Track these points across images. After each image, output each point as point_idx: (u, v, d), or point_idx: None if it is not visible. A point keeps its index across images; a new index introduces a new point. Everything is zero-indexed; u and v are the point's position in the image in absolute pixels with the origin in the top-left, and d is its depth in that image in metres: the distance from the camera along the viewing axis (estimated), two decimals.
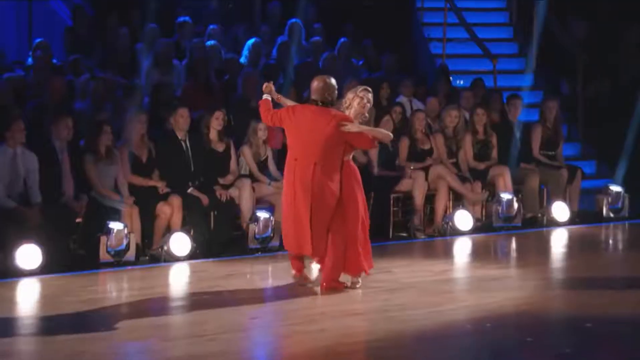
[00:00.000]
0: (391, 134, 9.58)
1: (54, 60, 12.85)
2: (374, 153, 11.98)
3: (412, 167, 12.01)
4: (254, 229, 10.89)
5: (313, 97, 9.00)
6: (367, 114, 9.16)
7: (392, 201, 12.01)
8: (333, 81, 8.99)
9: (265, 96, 9.22)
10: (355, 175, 9.13)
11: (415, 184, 11.96)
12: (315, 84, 9.00)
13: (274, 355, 7.64)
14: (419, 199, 11.97)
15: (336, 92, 9.04)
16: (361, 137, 8.93)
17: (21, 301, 9.33)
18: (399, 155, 12.20)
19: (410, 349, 7.53)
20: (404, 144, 12.20)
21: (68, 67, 12.71)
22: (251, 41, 13.53)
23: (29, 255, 9.81)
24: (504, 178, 12.39)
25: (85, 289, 9.38)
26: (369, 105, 9.07)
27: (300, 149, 8.94)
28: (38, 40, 12.91)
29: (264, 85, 9.25)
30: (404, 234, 12.07)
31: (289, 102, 9.35)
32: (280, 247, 10.96)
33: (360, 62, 14.14)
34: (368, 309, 8.67)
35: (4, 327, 8.00)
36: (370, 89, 9.12)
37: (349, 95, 9.08)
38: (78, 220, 10.46)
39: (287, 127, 9.07)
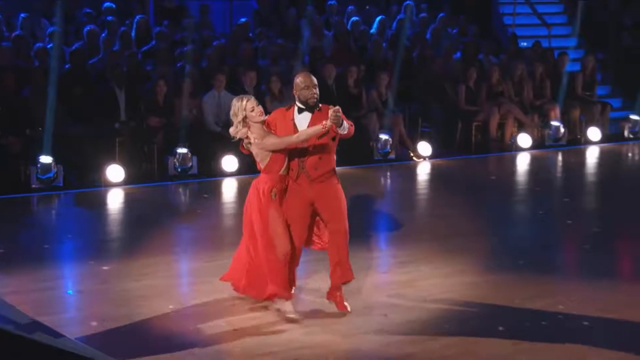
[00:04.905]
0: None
1: (250, 33, 13.05)
2: (461, 93, 11.87)
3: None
4: (377, 146, 10.98)
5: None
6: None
7: (473, 128, 11.93)
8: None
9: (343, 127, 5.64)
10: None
11: (490, 116, 11.83)
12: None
13: None
14: (493, 127, 11.85)
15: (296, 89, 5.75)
16: None
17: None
18: (480, 96, 12.07)
19: None
20: (484, 88, 12.03)
21: (256, 36, 12.91)
22: (379, 17, 13.44)
23: (230, 161, 9.94)
24: (555, 111, 12.13)
25: None
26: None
27: None
28: (242, 19, 12.81)
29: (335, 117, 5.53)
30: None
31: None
32: (397, 159, 11.01)
33: (455, 31, 13.92)
34: None
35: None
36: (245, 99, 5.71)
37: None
38: None
39: None
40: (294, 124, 5.66)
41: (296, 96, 5.70)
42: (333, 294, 5.73)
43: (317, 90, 5.65)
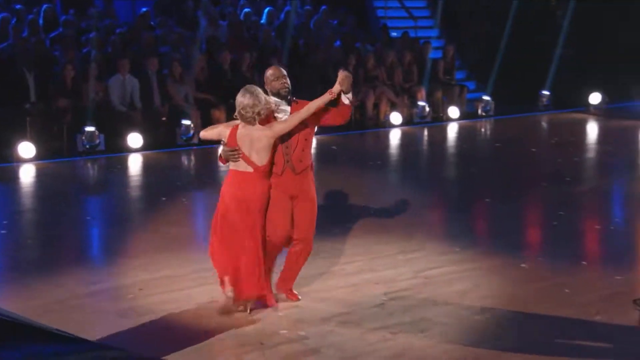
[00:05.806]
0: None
1: (152, 22, 12.65)
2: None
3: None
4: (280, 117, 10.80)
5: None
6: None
7: (352, 107, 12.03)
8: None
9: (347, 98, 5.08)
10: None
11: (366, 97, 12.02)
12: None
13: None
14: (369, 106, 12.04)
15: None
16: None
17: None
18: (357, 79, 12.24)
19: None
20: (361, 73, 12.17)
21: (157, 25, 12.56)
22: (268, 9, 13.35)
23: (135, 138, 9.83)
24: (421, 93, 12.43)
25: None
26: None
27: None
28: (144, 9, 12.43)
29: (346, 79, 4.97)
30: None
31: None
32: None
33: (335, 22, 14.00)
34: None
35: None
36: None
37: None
38: (163, 118, 10.54)
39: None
40: (274, 116, 5.00)
41: (268, 90, 5.04)
42: (282, 286, 5.28)
43: (287, 80, 5.03)
